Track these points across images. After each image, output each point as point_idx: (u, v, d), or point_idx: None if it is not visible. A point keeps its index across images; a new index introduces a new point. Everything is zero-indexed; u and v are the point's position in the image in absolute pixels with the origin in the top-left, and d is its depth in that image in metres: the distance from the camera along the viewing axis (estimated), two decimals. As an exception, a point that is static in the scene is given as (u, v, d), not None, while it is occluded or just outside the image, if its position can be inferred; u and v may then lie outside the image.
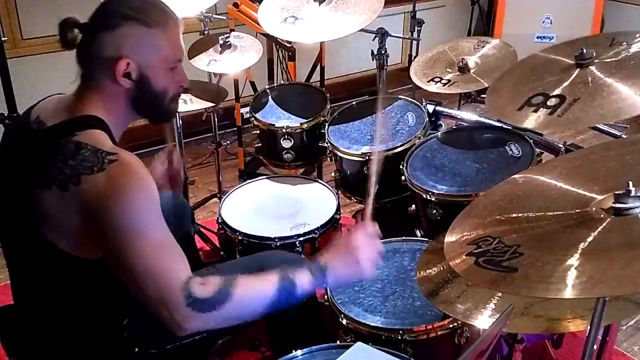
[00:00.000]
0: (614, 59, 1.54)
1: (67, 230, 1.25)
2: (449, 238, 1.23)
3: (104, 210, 1.19)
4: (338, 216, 2.14)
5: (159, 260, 1.21)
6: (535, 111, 1.50)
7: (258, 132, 2.46)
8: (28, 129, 1.34)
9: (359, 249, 1.38)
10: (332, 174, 2.34)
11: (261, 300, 1.28)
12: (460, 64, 2.26)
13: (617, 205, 1.04)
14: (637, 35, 1.59)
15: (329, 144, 2.26)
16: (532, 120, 1.50)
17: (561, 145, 1.94)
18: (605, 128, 2.02)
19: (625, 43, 1.58)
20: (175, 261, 1.24)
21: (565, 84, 1.52)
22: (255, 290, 1.29)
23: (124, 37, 1.29)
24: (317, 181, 2.38)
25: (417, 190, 1.92)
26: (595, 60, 1.53)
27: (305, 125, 2.37)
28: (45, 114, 1.33)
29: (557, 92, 1.51)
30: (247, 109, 2.55)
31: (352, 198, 2.32)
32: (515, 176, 1.36)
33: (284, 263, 1.54)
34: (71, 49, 1.33)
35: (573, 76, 1.53)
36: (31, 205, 1.25)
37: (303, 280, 1.32)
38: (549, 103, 1.49)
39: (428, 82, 2.28)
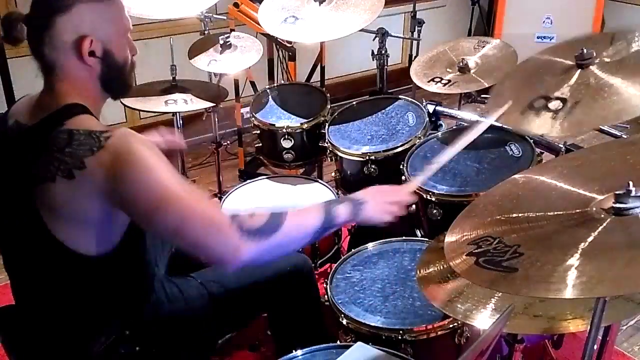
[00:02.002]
0: (614, 58, 1.54)
1: (78, 220, 1.25)
2: (449, 238, 1.23)
3: (122, 182, 1.20)
4: (338, 216, 2.14)
5: (195, 206, 1.23)
6: (536, 115, 1.50)
7: (258, 132, 2.46)
8: (9, 134, 1.33)
9: (392, 196, 1.51)
10: (332, 174, 2.34)
11: (306, 231, 1.36)
12: (461, 64, 2.26)
13: (618, 205, 1.04)
14: (637, 33, 1.58)
15: (329, 144, 2.26)
16: (536, 125, 1.50)
17: (561, 145, 1.94)
18: (606, 128, 2.02)
19: (625, 42, 1.57)
20: (210, 203, 1.29)
21: (567, 85, 1.52)
22: (302, 222, 1.36)
23: (80, 16, 1.28)
24: (317, 181, 2.38)
25: (417, 190, 1.92)
26: (596, 60, 1.53)
27: (306, 125, 2.37)
28: (23, 116, 1.33)
29: (558, 94, 1.51)
30: (248, 109, 2.55)
31: (353, 198, 2.31)
32: (516, 176, 1.36)
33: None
34: (17, 44, 1.32)
35: (574, 78, 1.53)
36: (35, 204, 1.25)
37: (343, 212, 1.41)
38: (550, 106, 1.49)
39: (428, 82, 2.28)
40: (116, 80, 1.39)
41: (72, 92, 1.31)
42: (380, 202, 1.47)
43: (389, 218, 1.47)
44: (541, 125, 1.49)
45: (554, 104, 1.50)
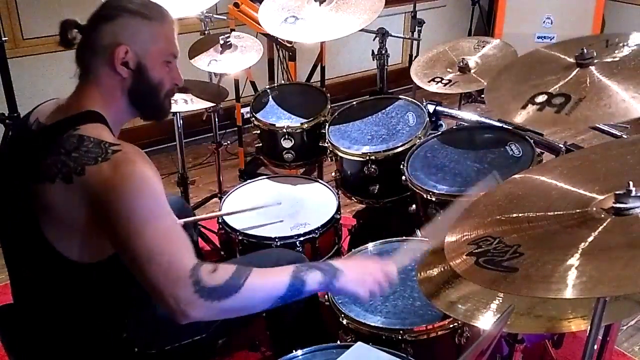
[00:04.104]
0: (613, 59, 1.53)
1: (69, 226, 1.25)
2: (449, 238, 1.23)
3: (110, 199, 1.19)
4: (338, 216, 2.15)
5: (166, 247, 1.20)
6: (540, 110, 1.49)
7: (258, 132, 2.46)
8: (27, 131, 1.35)
9: (373, 273, 1.39)
10: (333, 174, 2.34)
11: (269, 296, 1.27)
12: (461, 64, 2.26)
13: (618, 205, 1.04)
14: (630, 35, 1.58)
15: (329, 144, 2.26)
16: (538, 119, 1.48)
17: (562, 145, 1.94)
18: (606, 128, 2.02)
19: (620, 44, 1.57)
20: (182, 248, 1.23)
21: (568, 81, 1.51)
22: (266, 286, 1.28)
23: (123, 27, 1.34)
24: (318, 181, 2.38)
25: (417, 190, 1.92)
26: (595, 61, 1.53)
27: (306, 125, 2.37)
28: (44, 116, 1.35)
29: (560, 90, 1.50)
30: (248, 108, 2.55)
31: (353, 198, 2.31)
32: (516, 176, 1.35)
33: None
34: (69, 47, 1.37)
35: (574, 74, 1.52)
36: (32, 202, 1.26)
37: (314, 280, 1.32)
38: (553, 102, 1.48)
39: (428, 82, 2.28)
40: (145, 98, 1.40)
41: (98, 100, 1.34)
42: (358, 275, 1.38)
43: (365, 294, 1.37)
44: (545, 120, 1.47)
45: (557, 99, 1.48)
